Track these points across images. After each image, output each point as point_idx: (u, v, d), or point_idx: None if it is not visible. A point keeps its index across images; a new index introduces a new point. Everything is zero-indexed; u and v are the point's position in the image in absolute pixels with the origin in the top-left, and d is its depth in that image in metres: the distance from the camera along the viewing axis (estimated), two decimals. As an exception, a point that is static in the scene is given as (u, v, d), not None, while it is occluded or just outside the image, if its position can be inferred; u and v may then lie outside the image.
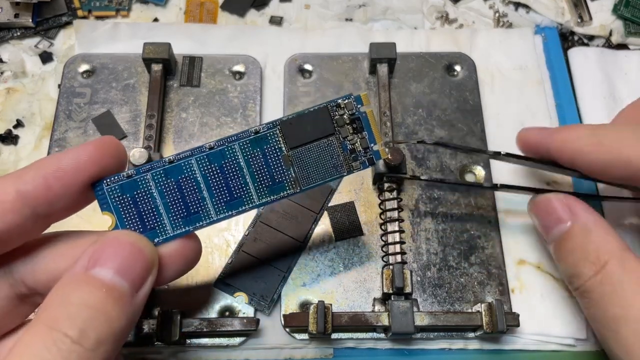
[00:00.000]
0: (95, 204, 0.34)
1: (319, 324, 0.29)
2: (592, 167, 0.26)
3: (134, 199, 0.22)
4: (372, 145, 0.23)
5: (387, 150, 0.31)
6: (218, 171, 0.22)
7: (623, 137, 0.25)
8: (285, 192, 0.23)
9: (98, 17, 0.42)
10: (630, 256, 0.24)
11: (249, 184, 0.22)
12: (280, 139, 0.22)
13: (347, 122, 0.23)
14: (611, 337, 0.23)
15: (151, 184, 0.22)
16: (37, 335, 0.17)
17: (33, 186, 0.20)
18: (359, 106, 0.23)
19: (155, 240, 0.22)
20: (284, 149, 0.23)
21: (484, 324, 0.30)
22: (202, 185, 0.22)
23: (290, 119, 0.23)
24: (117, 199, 0.22)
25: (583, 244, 0.25)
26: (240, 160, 0.22)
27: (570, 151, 0.27)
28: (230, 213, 0.23)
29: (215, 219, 0.22)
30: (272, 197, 0.23)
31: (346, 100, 0.23)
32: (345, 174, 0.23)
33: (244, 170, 0.22)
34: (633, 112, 0.30)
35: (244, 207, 0.23)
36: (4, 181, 0.20)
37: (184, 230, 0.22)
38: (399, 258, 0.32)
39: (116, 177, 0.22)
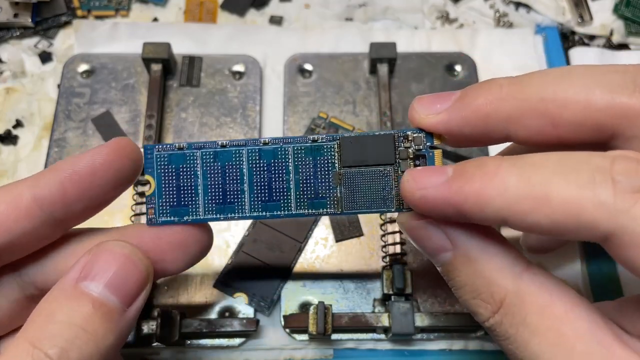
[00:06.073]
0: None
1: (319, 324, 0.29)
2: (536, 229, 0.17)
3: (177, 172, 0.22)
4: None
5: None
6: (265, 168, 0.22)
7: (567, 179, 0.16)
8: (324, 210, 0.22)
9: (97, 17, 0.42)
10: (529, 284, 0.18)
11: (291, 190, 0.22)
12: (336, 154, 0.21)
13: (411, 156, 0.21)
14: None
15: (198, 162, 0.22)
16: (19, 352, 0.17)
17: (49, 191, 0.20)
18: (428, 143, 0.21)
19: (185, 219, 0.22)
20: (337, 165, 0.21)
21: (485, 325, 0.30)
22: (245, 178, 0.22)
23: (352, 137, 0.21)
24: (162, 167, 0.22)
25: (470, 280, 0.19)
26: (290, 164, 0.22)
27: (496, 213, 0.17)
28: (264, 214, 0.22)
29: (247, 215, 0.22)
30: (310, 211, 0.22)
31: (416, 134, 0.21)
32: (393, 209, 0.21)
33: (290, 176, 0.22)
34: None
35: (279, 212, 0.22)
36: (19, 185, 0.20)
37: (214, 216, 0.22)
38: (399, 259, 0.32)
39: (168, 146, 0.22)
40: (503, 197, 0.16)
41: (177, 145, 0.22)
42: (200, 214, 0.22)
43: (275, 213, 0.22)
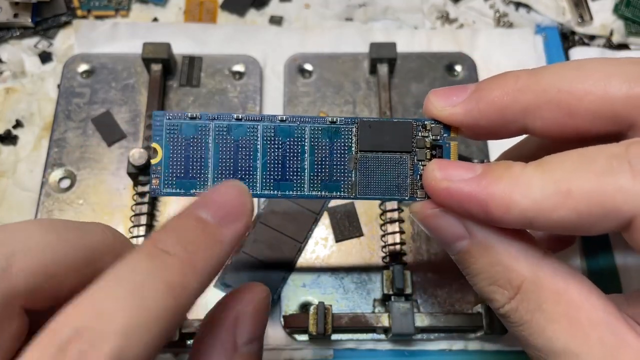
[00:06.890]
0: (96, 203, 0.34)
1: (319, 325, 0.29)
2: (563, 225, 0.17)
3: (187, 142, 0.21)
4: None
5: None
6: (280, 146, 0.21)
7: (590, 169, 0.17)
8: (338, 193, 0.22)
9: (97, 17, 0.42)
10: (546, 271, 0.18)
11: (305, 170, 0.21)
12: (354, 137, 0.21)
13: (428, 146, 0.21)
14: None
15: (211, 133, 0.21)
16: (144, 249, 0.16)
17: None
18: (445, 135, 0.22)
19: (191, 192, 0.21)
20: (353, 149, 0.22)
21: (485, 325, 0.30)
22: (258, 154, 0.21)
23: (371, 121, 0.22)
24: (171, 136, 0.21)
25: (487, 267, 0.19)
26: (306, 144, 0.21)
27: (522, 213, 0.17)
28: (275, 192, 0.21)
29: (258, 192, 0.21)
30: (322, 193, 0.22)
31: (434, 124, 0.22)
32: (406, 198, 0.21)
33: (305, 155, 0.21)
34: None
35: (291, 192, 0.21)
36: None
37: None
38: (399, 259, 0.32)
39: (179, 114, 0.21)
40: (528, 198, 0.17)
41: (189, 114, 0.21)
42: (208, 188, 0.21)
43: (287, 193, 0.21)
